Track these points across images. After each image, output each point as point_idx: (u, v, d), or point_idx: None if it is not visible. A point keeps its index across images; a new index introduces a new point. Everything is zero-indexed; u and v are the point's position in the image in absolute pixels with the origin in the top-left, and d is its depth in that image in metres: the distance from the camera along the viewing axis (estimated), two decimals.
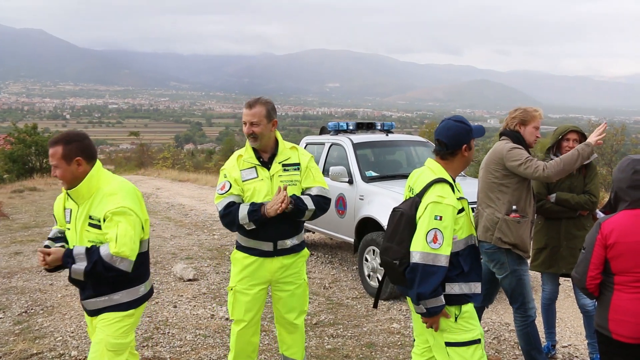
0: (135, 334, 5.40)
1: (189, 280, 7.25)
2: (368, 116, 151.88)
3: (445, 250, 2.94)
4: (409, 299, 3.19)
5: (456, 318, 3.05)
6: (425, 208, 2.97)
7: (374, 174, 7.41)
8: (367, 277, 6.86)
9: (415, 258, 2.93)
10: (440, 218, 2.94)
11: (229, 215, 3.75)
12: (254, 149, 3.91)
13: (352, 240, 7.27)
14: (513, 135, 4.24)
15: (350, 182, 7.31)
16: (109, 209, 3.10)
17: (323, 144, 8.36)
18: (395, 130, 9.23)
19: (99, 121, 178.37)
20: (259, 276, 3.91)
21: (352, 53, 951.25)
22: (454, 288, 3.03)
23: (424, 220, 2.96)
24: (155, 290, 6.82)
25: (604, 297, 3.07)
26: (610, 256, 2.99)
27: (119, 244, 3.05)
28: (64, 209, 3.34)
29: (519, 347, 4.77)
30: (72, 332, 5.49)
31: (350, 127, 8.53)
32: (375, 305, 3.66)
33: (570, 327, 5.74)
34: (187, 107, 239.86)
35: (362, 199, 7.04)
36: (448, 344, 3.06)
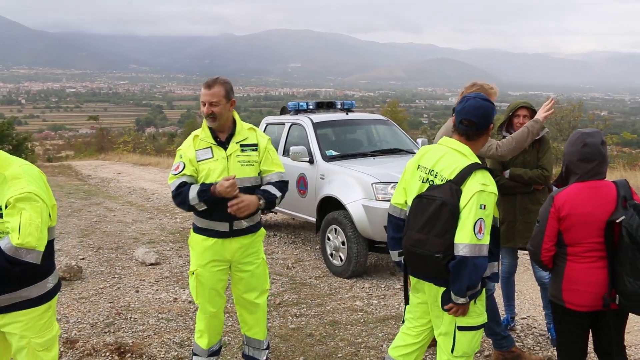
0: (97, 320, 5.35)
1: (151, 264, 7.18)
2: (330, 96, 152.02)
3: (487, 239, 2.84)
4: (414, 282, 3.15)
5: (475, 300, 3.00)
6: (471, 197, 2.82)
7: (334, 153, 7.43)
8: (329, 256, 6.90)
9: (463, 251, 2.79)
10: (485, 207, 2.82)
11: (180, 195, 3.75)
12: (211, 129, 3.87)
13: (314, 219, 7.30)
14: None
15: (311, 161, 7.31)
16: (12, 194, 2.72)
17: (283, 124, 8.32)
18: (358, 109, 9.26)
19: (57, 106, 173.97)
20: (220, 257, 3.90)
21: (313, 33, 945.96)
22: None
23: (470, 210, 2.81)
24: (117, 276, 6.75)
25: (558, 268, 3.15)
26: (563, 228, 3.06)
27: (23, 234, 2.66)
28: None
29: None
30: None
31: (311, 107, 8.51)
32: (407, 302, 3.43)
33: (529, 299, 5.88)
34: (148, 90, 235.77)
35: (323, 179, 7.05)
36: (460, 328, 3.00)
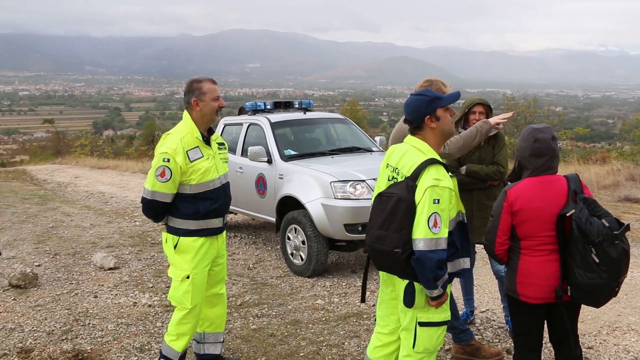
0: (54, 327, 5.22)
1: (110, 269, 7.04)
2: (290, 95, 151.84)
3: (444, 233, 2.86)
4: (385, 277, 3.18)
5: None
6: (424, 192, 2.86)
7: (292, 152, 7.42)
8: (290, 256, 6.89)
9: (419, 245, 2.84)
10: (438, 201, 2.85)
11: (153, 209, 3.84)
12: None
13: (274, 219, 7.27)
14: None
15: (270, 161, 7.29)
16: None
17: (241, 124, 8.28)
18: (318, 108, 9.26)
19: (9, 109, 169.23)
20: (210, 255, 3.97)
21: (271, 32, 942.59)
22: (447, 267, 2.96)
23: (423, 205, 2.85)
24: (74, 282, 6.61)
25: (512, 262, 3.21)
26: (516, 222, 3.12)
27: None
28: None
29: None
30: None
31: (268, 107, 8.48)
32: (363, 300, 3.51)
33: (488, 293, 5.98)
34: (105, 92, 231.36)
35: (281, 178, 7.04)
36: (421, 324, 3.00)
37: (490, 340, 4.80)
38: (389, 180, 3.11)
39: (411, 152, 3.05)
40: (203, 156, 3.87)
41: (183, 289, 3.88)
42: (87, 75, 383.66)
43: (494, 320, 5.25)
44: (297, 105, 8.67)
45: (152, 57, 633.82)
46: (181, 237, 3.88)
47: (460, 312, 5.02)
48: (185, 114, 3.94)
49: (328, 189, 6.39)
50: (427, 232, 2.83)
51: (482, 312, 5.46)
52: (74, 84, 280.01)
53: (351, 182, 6.33)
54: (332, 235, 6.40)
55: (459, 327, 4.40)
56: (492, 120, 4.24)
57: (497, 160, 4.75)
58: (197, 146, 3.86)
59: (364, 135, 8.47)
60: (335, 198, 6.32)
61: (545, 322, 3.29)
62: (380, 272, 3.24)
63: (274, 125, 7.66)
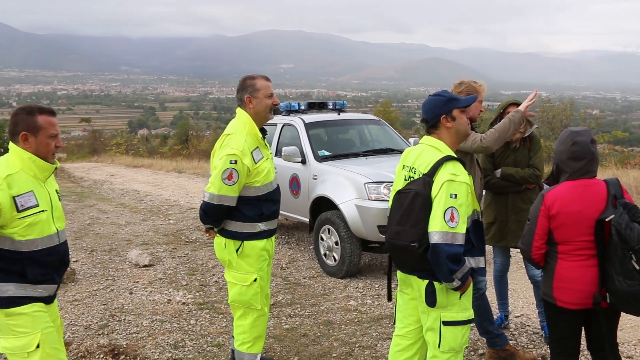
0: (90, 322, 5.34)
1: (145, 266, 7.16)
2: (322, 96, 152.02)
3: (462, 228, 2.90)
4: (403, 277, 3.19)
5: (461, 295, 3.03)
6: (441, 187, 2.91)
7: (326, 153, 7.44)
8: (323, 256, 6.91)
9: (434, 238, 2.88)
10: (456, 196, 2.89)
11: (217, 213, 3.77)
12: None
13: (307, 220, 7.30)
14: None
15: (304, 162, 7.32)
16: None
17: (275, 124, 8.32)
18: (351, 109, 9.26)
19: None
20: (269, 256, 4.01)
21: (304, 33, 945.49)
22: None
23: (440, 199, 2.90)
24: (110, 278, 6.74)
25: (549, 266, 3.18)
26: (553, 226, 3.09)
27: None
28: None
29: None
30: None
31: (302, 107, 8.51)
32: (389, 298, 3.56)
33: (522, 298, 5.91)
34: (140, 92, 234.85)
35: (315, 179, 7.06)
36: (445, 323, 3.02)
37: (525, 346, 4.75)
38: (405, 180, 3.15)
39: (428, 151, 3.11)
40: (263, 157, 3.84)
41: (252, 292, 3.84)
42: (122, 75, 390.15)
43: (528, 325, 5.19)
44: (331, 106, 8.69)
45: (186, 58, 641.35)
46: (245, 241, 3.83)
47: (495, 317, 4.98)
48: (241, 111, 3.85)
49: (362, 190, 6.40)
50: (442, 225, 2.87)
51: (517, 317, 5.40)
52: (110, 83, 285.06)
53: (385, 184, 6.33)
54: (366, 236, 6.41)
55: (494, 332, 4.36)
56: (521, 107, 4.18)
57: (532, 163, 4.70)
58: (258, 146, 3.81)
59: (397, 136, 8.45)
60: (369, 199, 6.32)
61: (583, 328, 3.24)
62: (398, 272, 3.26)
63: (308, 126, 7.69)
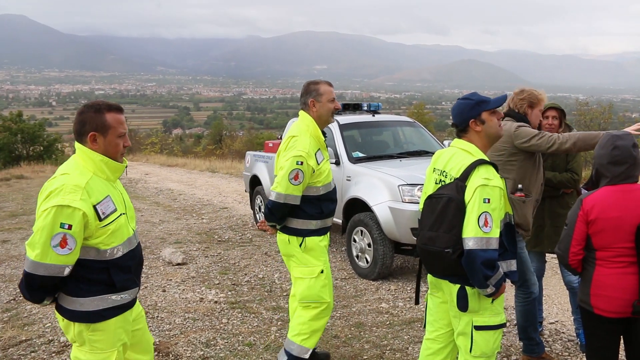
0: None
1: (178, 264, 7.25)
2: (356, 98, 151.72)
3: (495, 232, 2.88)
4: (434, 281, 3.18)
5: (493, 300, 3.00)
6: (474, 192, 2.88)
7: (360, 154, 7.42)
8: (355, 258, 6.89)
9: (469, 244, 2.85)
10: (489, 201, 2.87)
11: (282, 211, 3.92)
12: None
13: (340, 221, 7.29)
14: (518, 116, 4.13)
15: (337, 163, 7.31)
16: None
17: None
18: (384, 111, 9.22)
19: None
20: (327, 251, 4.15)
21: (338, 35, 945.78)
22: None
23: (473, 204, 2.87)
24: (144, 275, 6.82)
25: (587, 273, 3.11)
26: (591, 232, 3.02)
27: None
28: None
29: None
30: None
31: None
32: (417, 302, 3.58)
33: (557, 304, 5.81)
34: (175, 92, 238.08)
35: (349, 180, 7.05)
36: (477, 328, 3.00)
37: (560, 354, 4.66)
38: (436, 183, 3.14)
39: (459, 154, 3.07)
40: (324, 158, 4.02)
41: (320, 284, 3.98)
42: (158, 75, 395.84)
43: (563, 332, 5.09)
44: (365, 108, 8.66)
45: (220, 58, 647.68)
46: (307, 239, 3.98)
47: None
48: (304, 114, 4.02)
49: (396, 192, 6.36)
50: (477, 230, 2.84)
51: (551, 323, 5.30)
52: (145, 83, 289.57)
53: (419, 186, 6.28)
54: (399, 238, 6.37)
55: (535, 339, 4.30)
56: (631, 128, 3.81)
57: (570, 168, 4.62)
58: (320, 148, 3.98)
59: (432, 138, 8.39)
60: (402, 202, 6.28)
61: (622, 338, 3.17)
62: (429, 276, 3.23)
63: (343, 127, 7.68)
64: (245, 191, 10.35)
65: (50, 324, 5.34)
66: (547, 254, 4.88)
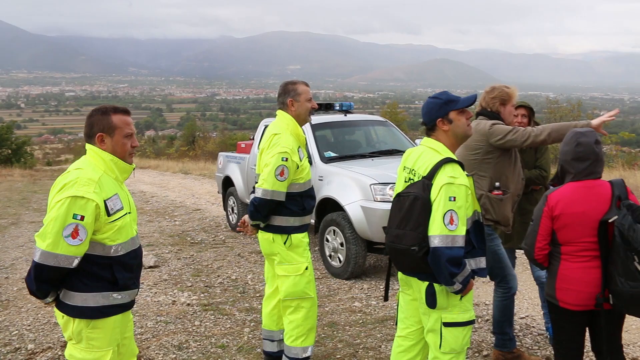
0: None
1: (150, 267, 7.19)
2: (330, 97, 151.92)
3: (461, 230, 2.91)
4: (404, 278, 3.20)
5: (462, 296, 3.03)
6: (440, 190, 2.92)
7: (332, 154, 7.44)
8: (328, 257, 6.91)
9: (434, 242, 2.89)
10: (454, 199, 2.90)
11: (267, 208, 3.93)
12: None
13: (312, 221, 7.30)
14: (491, 115, 4.13)
15: (310, 163, 7.30)
16: None
17: None
18: (358, 110, 9.25)
19: (56, 109, 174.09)
20: None
21: (311, 35, 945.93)
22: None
23: (439, 202, 2.91)
24: None
25: (552, 267, 3.17)
26: (556, 227, 3.08)
27: None
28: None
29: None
30: (29, 325, 5.40)
31: None
32: (386, 298, 3.59)
33: (528, 299, 5.89)
34: (147, 93, 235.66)
35: (321, 180, 7.06)
36: (446, 324, 3.03)
37: (530, 347, 4.73)
38: (405, 182, 3.17)
39: (427, 153, 3.11)
40: (304, 155, 4.08)
41: (305, 280, 4.04)
42: (130, 76, 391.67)
43: (533, 327, 5.17)
44: (337, 107, 8.68)
45: (193, 59, 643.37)
46: (291, 236, 4.03)
47: None
48: (283, 113, 4.08)
49: (368, 191, 6.39)
50: (442, 228, 2.88)
51: (522, 318, 5.38)
52: (117, 85, 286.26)
53: (391, 185, 6.32)
54: (371, 237, 6.40)
55: (509, 334, 4.36)
56: (596, 121, 3.81)
57: (539, 164, 4.69)
58: (300, 146, 4.05)
59: (404, 137, 8.44)
60: (374, 200, 6.32)
61: (588, 329, 3.23)
62: (399, 274, 3.26)
63: (315, 127, 7.69)
64: (218, 192, 10.31)
65: (17, 332, 5.26)
66: (517, 250, 4.94)
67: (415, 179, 3.07)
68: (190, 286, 6.46)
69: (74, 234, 2.68)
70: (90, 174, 2.79)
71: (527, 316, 5.44)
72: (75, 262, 2.71)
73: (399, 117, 37.94)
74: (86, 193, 2.70)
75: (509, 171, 4.13)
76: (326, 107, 8.67)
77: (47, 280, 2.72)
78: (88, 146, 2.91)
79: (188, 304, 5.84)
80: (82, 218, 2.68)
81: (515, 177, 4.17)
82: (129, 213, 2.95)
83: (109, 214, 2.78)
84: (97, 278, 2.82)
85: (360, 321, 5.34)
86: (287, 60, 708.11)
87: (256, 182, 4.06)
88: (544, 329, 4.99)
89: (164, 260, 7.53)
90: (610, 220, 2.93)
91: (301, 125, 4.13)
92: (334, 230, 6.78)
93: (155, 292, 6.25)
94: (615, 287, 2.91)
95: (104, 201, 2.76)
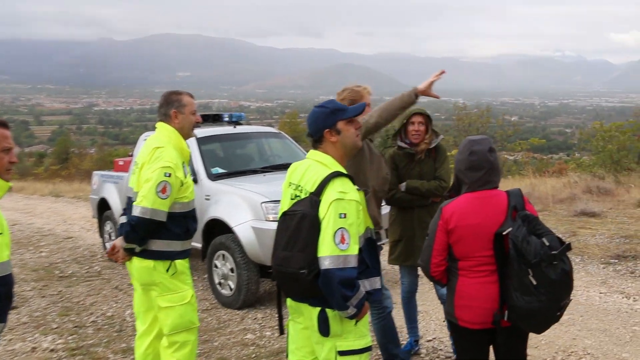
0: None
1: None
2: (224, 107, 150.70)
3: (354, 249, 2.90)
4: (294, 305, 3.17)
5: (356, 321, 3.01)
6: (329, 207, 2.91)
7: (221, 170, 7.38)
8: (217, 286, 6.83)
9: (325, 264, 2.86)
10: (345, 215, 2.89)
11: (147, 228, 3.82)
12: None
13: (199, 245, 7.18)
14: None
15: (195, 181, 7.20)
16: None
17: None
18: (255, 121, 9.24)
19: None
20: None
21: (203, 38, 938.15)
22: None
23: (328, 220, 2.89)
24: None
25: (451, 284, 3.27)
26: (452, 241, 3.18)
27: None
28: None
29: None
30: None
31: None
32: (281, 332, 3.49)
33: (435, 320, 6.04)
34: (10, 103, 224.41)
35: (208, 199, 6.98)
36: (341, 353, 3.00)
37: None
38: (292, 199, 3.15)
39: (314, 166, 3.10)
40: (188, 172, 4.06)
41: (191, 308, 4.01)
42: None
43: (441, 349, 5.30)
44: (227, 119, 8.60)
45: (66, 64, 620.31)
46: (176, 262, 3.96)
47: (404, 343, 5.06)
48: (164, 125, 4.03)
49: (259, 210, 6.38)
50: (333, 248, 2.87)
51: (429, 341, 5.51)
52: None
53: None
54: (264, 261, 6.37)
55: (398, 355, 4.43)
56: (422, 85, 4.14)
57: (438, 175, 4.84)
58: (183, 162, 4.00)
59: (300, 150, 8.50)
60: (266, 220, 6.31)
61: (492, 348, 3.33)
62: (288, 300, 3.24)
63: (201, 141, 7.57)
64: (93, 217, 9.96)
65: None
66: (419, 267, 5.06)
67: (302, 196, 3.06)
68: (56, 328, 6.16)
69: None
70: None
71: (434, 338, 5.57)
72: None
73: (299, 128, 38.27)
74: None
75: (366, 168, 4.23)
76: (214, 119, 8.58)
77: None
78: None
79: (52, 350, 5.56)
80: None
81: (374, 173, 4.27)
82: (1, 234, 2.88)
83: None
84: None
85: (254, 355, 5.30)
86: (176, 66, 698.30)
87: (131, 200, 3.95)
88: (451, 350, 5.12)
89: (24, 300, 7.13)
90: (504, 233, 3.04)
91: (185, 139, 4.09)
92: (223, 255, 6.71)
93: (11, 339, 5.88)
94: (512, 302, 3.02)
95: None
